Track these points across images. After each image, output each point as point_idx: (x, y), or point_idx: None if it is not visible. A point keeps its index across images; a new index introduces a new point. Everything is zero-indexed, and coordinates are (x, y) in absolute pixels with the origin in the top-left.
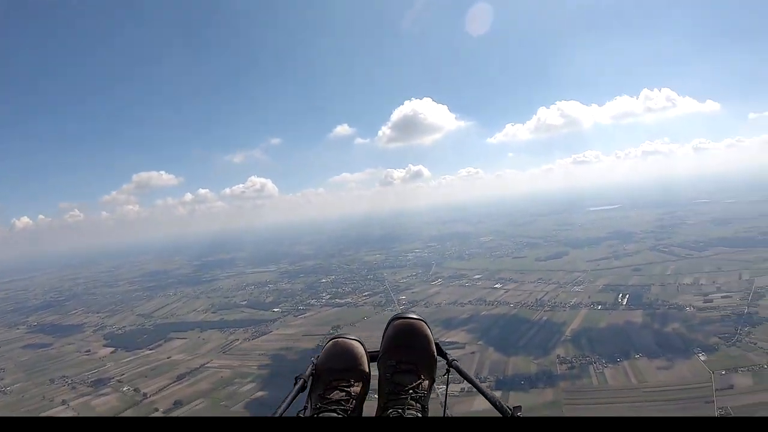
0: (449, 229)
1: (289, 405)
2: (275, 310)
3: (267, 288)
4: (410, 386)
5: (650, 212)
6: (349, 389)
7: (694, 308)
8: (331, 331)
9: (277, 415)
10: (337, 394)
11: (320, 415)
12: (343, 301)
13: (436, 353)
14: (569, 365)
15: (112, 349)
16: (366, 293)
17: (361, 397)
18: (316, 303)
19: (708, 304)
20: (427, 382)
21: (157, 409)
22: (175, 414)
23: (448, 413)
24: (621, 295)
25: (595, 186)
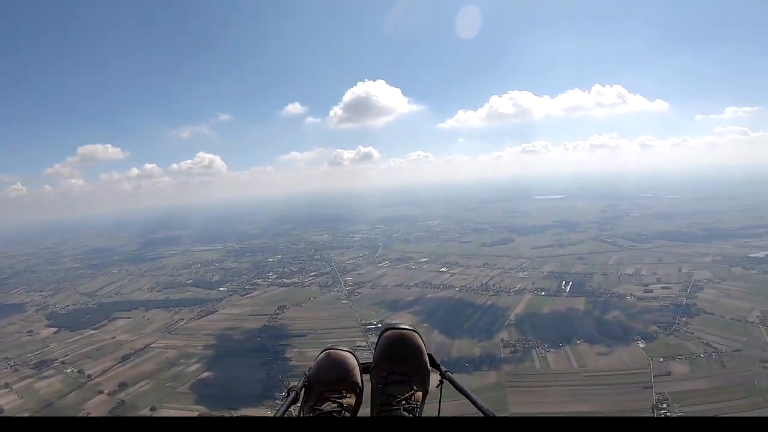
0: (397, 212)
1: (282, 417)
2: (221, 289)
3: (213, 267)
4: (402, 397)
5: (595, 203)
6: (341, 401)
7: (634, 297)
8: (277, 312)
9: None
10: (329, 406)
11: None
12: (289, 281)
13: (429, 365)
14: (513, 349)
15: (55, 329)
16: (313, 273)
17: (354, 409)
18: (262, 282)
19: (648, 294)
20: (419, 393)
21: (101, 392)
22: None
23: None
24: (564, 282)
25: (543, 175)
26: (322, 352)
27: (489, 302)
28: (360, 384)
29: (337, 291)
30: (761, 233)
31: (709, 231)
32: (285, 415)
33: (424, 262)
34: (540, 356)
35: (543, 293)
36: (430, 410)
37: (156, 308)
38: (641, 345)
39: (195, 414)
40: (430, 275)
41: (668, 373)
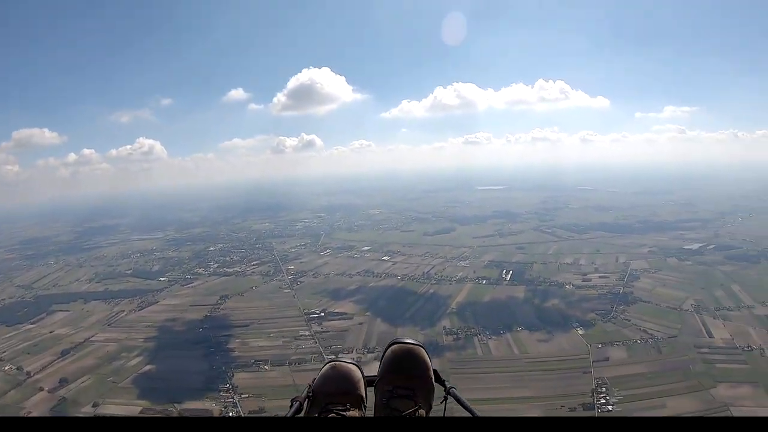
0: (339, 200)
1: None
2: (162, 279)
3: (153, 256)
4: (406, 412)
5: (536, 195)
6: (344, 413)
7: (573, 286)
8: (219, 302)
9: None
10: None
11: None
12: (231, 270)
13: (434, 380)
14: (455, 336)
15: None
16: (254, 262)
17: (358, 418)
18: (203, 272)
19: (586, 282)
20: (424, 408)
21: (42, 389)
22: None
23: None
24: (505, 271)
25: (485, 167)
26: (327, 363)
27: (431, 291)
28: (364, 397)
29: (279, 280)
30: (695, 227)
31: (646, 223)
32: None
33: (366, 250)
34: (482, 343)
35: (484, 282)
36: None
37: (95, 300)
38: (580, 332)
39: (138, 410)
40: (373, 264)
41: (606, 359)
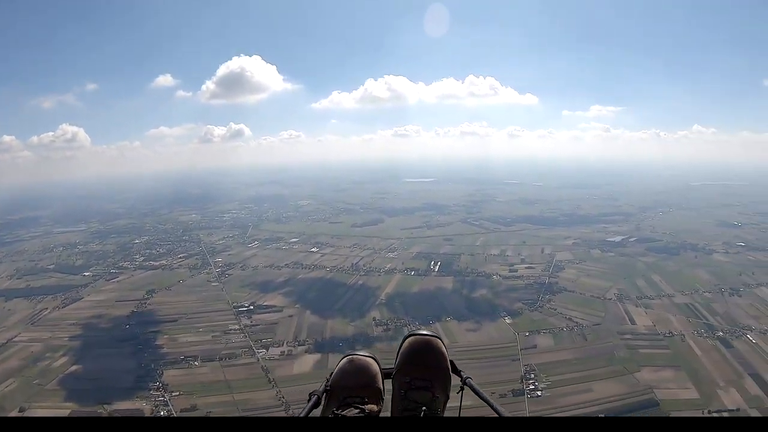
0: (267, 191)
1: None
2: (86, 274)
3: (76, 250)
4: (424, 403)
5: (463, 188)
6: (363, 406)
7: (500, 277)
8: (146, 296)
9: None
10: (351, 412)
11: None
12: (157, 263)
13: (450, 370)
14: (384, 327)
15: None
16: (181, 255)
17: (375, 414)
18: (129, 266)
19: (513, 273)
20: (441, 399)
21: None
22: None
23: None
24: (433, 262)
25: (414, 159)
26: (344, 357)
27: (360, 282)
28: (382, 390)
29: (207, 273)
30: (617, 220)
31: (571, 217)
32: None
33: (295, 242)
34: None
35: (413, 273)
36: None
37: (17, 297)
38: (508, 321)
39: (66, 412)
40: (301, 256)
41: (534, 346)
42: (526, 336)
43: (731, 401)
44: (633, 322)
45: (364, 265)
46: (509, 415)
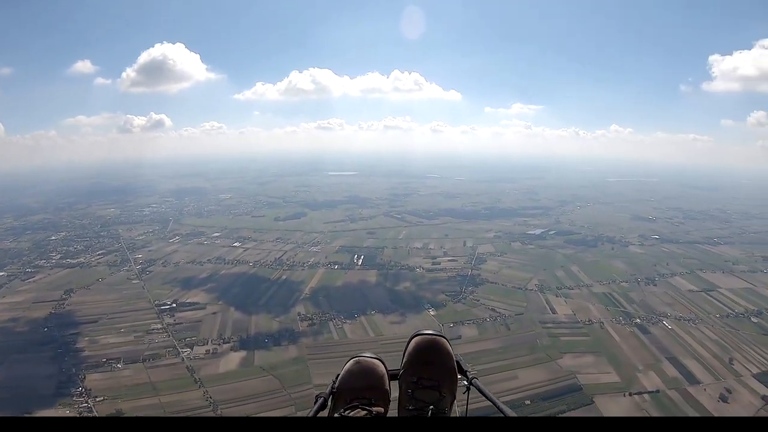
0: (188, 184)
1: None
2: (0, 274)
3: None
4: (432, 402)
5: (386, 181)
6: (370, 408)
7: (423, 269)
8: (64, 296)
9: None
10: (358, 413)
11: None
12: (75, 261)
13: (457, 370)
14: (310, 322)
15: None
16: (100, 252)
17: (382, 416)
18: (45, 264)
19: (436, 266)
20: (448, 398)
21: None
22: None
23: None
24: (356, 256)
25: (337, 152)
26: (351, 359)
27: (284, 277)
28: (388, 392)
29: (127, 270)
30: (537, 213)
31: (492, 210)
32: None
33: (217, 237)
34: (337, 327)
35: (336, 267)
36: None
37: None
38: (432, 312)
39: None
40: (224, 251)
41: (459, 337)
42: (450, 327)
43: (650, 383)
44: (554, 312)
45: (287, 260)
46: (515, 415)
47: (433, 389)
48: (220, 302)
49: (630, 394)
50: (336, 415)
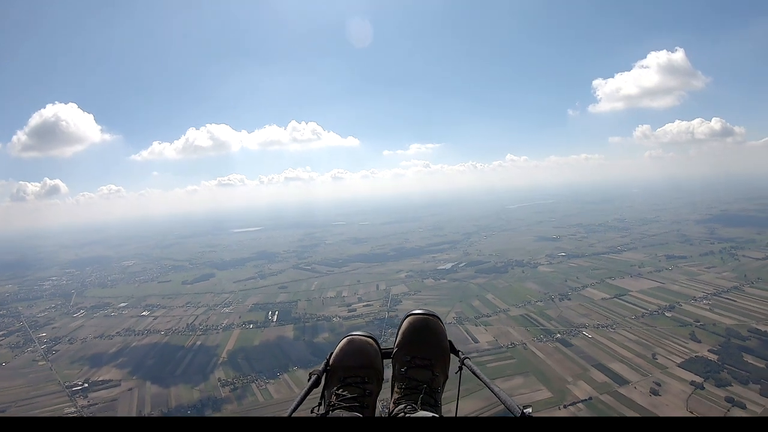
0: (89, 253)
1: (303, 400)
2: None
3: None
4: (425, 381)
5: (292, 233)
6: (363, 386)
7: (340, 318)
8: None
9: (291, 409)
10: (351, 391)
11: (333, 411)
12: None
13: (450, 350)
14: (232, 387)
15: None
16: (0, 333)
17: (375, 394)
18: None
19: (352, 313)
20: (441, 377)
21: None
22: None
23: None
24: (271, 312)
25: (240, 208)
26: (344, 337)
27: (199, 342)
28: (381, 370)
29: (32, 351)
30: (445, 248)
31: (400, 250)
32: (307, 399)
33: (124, 307)
34: (261, 389)
35: (251, 326)
36: (448, 395)
37: None
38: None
39: None
40: (132, 321)
41: (386, 380)
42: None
43: (582, 392)
44: (476, 341)
45: (200, 324)
46: (508, 397)
47: (426, 368)
48: (134, 377)
49: (564, 407)
50: (329, 392)
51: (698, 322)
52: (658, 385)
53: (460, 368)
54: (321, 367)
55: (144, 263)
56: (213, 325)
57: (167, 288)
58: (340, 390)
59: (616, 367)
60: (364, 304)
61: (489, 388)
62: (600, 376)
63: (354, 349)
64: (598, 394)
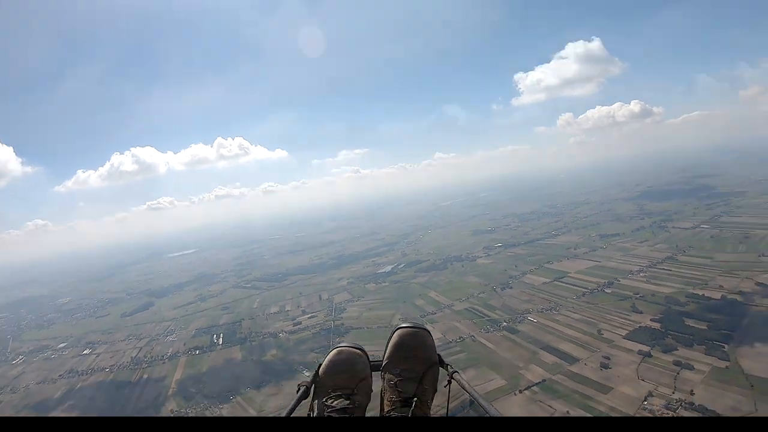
0: (20, 294)
1: (292, 411)
2: None
3: None
4: (414, 394)
5: (229, 252)
6: (351, 397)
7: (286, 333)
8: None
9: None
10: (340, 402)
11: None
12: None
13: (439, 363)
14: None
15: None
16: None
17: (364, 406)
18: None
19: (298, 326)
20: (430, 391)
21: None
22: None
23: None
24: (215, 335)
25: (172, 232)
26: (334, 348)
27: (146, 376)
28: (370, 381)
29: None
30: (383, 251)
31: (339, 259)
32: (296, 410)
33: (64, 347)
34: (214, 415)
35: (198, 352)
36: (437, 409)
37: None
38: (306, 373)
39: None
40: (75, 361)
41: None
42: None
43: (535, 375)
44: None
45: (145, 356)
46: (496, 410)
47: (415, 381)
48: None
49: (520, 392)
50: (317, 404)
51: (637, 294)
52: (607, 358)
53: (449, 382)
54: (310, 378)
55: (80, 299)
56: (158, 356)
57: (106, 322)
58: (329, 401)
59: (565, 347)
60: (309, 315)
61: (478, 403)
62: (550, 358)
63: (342, 360)
64: (550, 375)
